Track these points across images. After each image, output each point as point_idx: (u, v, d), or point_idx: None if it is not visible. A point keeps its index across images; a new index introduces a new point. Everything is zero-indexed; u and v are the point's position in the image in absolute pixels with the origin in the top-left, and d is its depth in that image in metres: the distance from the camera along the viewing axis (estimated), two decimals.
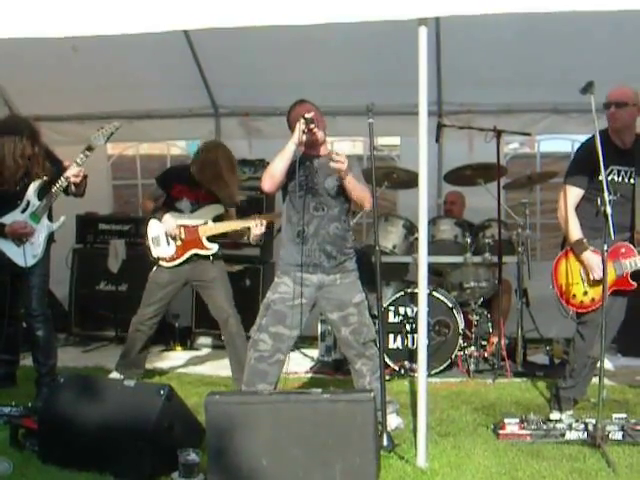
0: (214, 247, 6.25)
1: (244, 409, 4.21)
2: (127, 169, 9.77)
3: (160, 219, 6.25)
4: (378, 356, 4.99)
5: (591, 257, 5.23)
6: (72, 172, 5.58)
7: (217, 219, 6.28)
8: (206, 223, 6.24)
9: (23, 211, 5.68)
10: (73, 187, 5.68)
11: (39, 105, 8.44)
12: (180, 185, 6.29)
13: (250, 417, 4.17)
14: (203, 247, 6.23)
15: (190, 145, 10.36)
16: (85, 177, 5.72)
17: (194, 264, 6.29)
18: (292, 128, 4.97)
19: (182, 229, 6.21)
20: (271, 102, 8.02)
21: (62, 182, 5.60)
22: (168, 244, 6.26)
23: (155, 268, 6.34)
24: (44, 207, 5.69)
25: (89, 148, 5.66)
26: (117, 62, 7.49)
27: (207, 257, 6.27)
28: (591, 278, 5.25)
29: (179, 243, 6.22)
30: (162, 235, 6.27)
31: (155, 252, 6.30)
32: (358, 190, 4.94)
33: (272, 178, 4.91)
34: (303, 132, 4.78)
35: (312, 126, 4.78)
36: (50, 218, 5.83)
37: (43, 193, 5.69)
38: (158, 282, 6.30)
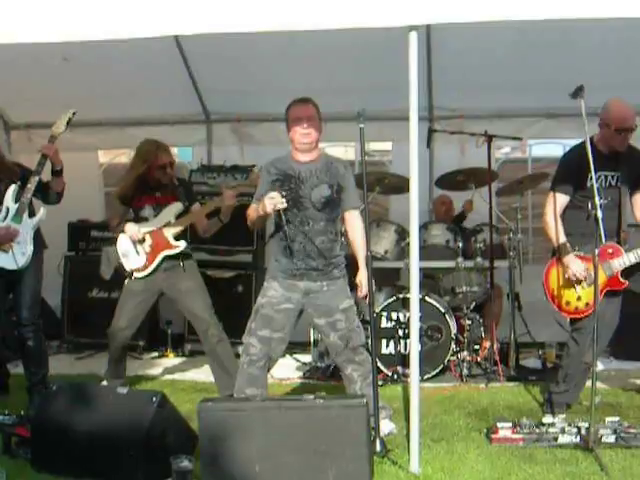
0: (181, 244, 6.17)
1: (237, 416, 4.22)
2: (119, 176, 9.71)
3: (123, 230, 6.19)
4: (369, 361, 5.01)
5: (573, 261, 5.28)
6: (45, 147, 5.71)
7: (179, 216, 6.21)
8: (169, 223, 6.19)
9: (3, 219, 5.68)
10: (53, 172, 5.75)
11: (31, 113, 8.48)
12: (139, 194, 6.23)
13: (243, 423, 4.18)
14: (171, 246, 6.15)
15: (182, 152, 10.36)
16: (64, 183, 5.84)
17: (168, 274, 6.18)
18: (288, 127, 5.05)
19: (148, 235, 6.14)
20: (262, 108, 8.04)
21: (34, 178, 5.65)
22: (138, 253, 6.18)
23: (128, 279, 6.25)
24: (22, 206, 5.69)
25: (52, 137, 5.77)
26: (108, 69, 7.49)
27: (179, 262, 6.17)
28: (565, 277, 5.28)
29: (148, 250, 6.15)
30: (130, 246, 6.19)
31: (128, 265, 6.20)
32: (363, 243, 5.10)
33: (252, 224, 5.19)
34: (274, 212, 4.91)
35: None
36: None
37: (19, 196, 5.72)
38: (131, 291, 6.21)
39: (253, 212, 5.07)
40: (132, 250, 6.19)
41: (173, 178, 6.29)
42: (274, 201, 4.80)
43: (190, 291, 6.20)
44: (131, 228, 6.14)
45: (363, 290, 5.05)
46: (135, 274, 6.19)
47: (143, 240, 6.13)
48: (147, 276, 6.18)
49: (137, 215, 6.26)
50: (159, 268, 6.17)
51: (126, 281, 6.27)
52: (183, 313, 6.36)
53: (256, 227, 5.24)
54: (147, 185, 6.20)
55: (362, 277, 5.06)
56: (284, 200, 4.83)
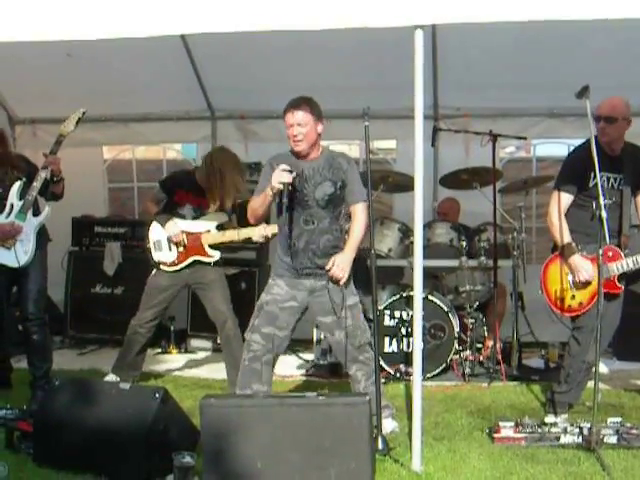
0: (216, 255, 6.25)
1: (239, 412, 4.22)
2: (123, 172, 9.77)
3: (163, 224, 6.23)
4: (373, 360, 4.99)
5: (578, 260, 5.28)
6: (49, 160, 5.63)
7: (220, 227, 6.28)
8: (209, 231, 6.25)
9: (7, 216, 5.66)
10: (50, 184, 5.71)
11: (36, 108, 8.50)
12: (183, 191, 6.28)
13: (245, 420, 4.17)
14: (205, 254, 6.23)
15: (186, 148, 10.37)
16: (62, 179, 5.77)
17: (194, 268, 6.28)
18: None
19: (184, 235, 6.20)
20: (267, 105, 8.03)
21: (41, 174, 5.62)
22: (170, 249, 6.25)
23: (154, 271, 6.32)
24: (27, 204, 5.67)
25: (61, 135, 5.72)
26: (114, 65, 7.49)
27: (208, 263, 6.28)
28: (576, 280, 5.29)
29: (181, 249, 6.22)
30: (164, 240, 6.25)
31: (156, 256, 6.29)
32: (361, 237, 5.02)
33: (255, 215, 5.10)
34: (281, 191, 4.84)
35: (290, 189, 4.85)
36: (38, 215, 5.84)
37: (24, 193, 5.70)
38: (158, 286, 6.29)
39: (256, 201, 5.01)
40: (165, 244, 6.26)
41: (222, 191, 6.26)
42: (281, 176, 4.77)
43: (214, 283, 6.30)
44: (173, 230, 6.19)
45: (332, 269, 4.93)
46: (162, 266, 6.27)
47: (181, 243, 6.19)
48: (174, 272, 6.25)
49: (174, 209, 6.30)
50: (187, 266, 6.26)
51: (152, 273, 6.34)
52: (204, 304, 6.38)
53: (259, 219, 5.17)
54: (197, 185, 6.24)
55: (338, 256, 4.97)
56: (293, 174, 4.82)
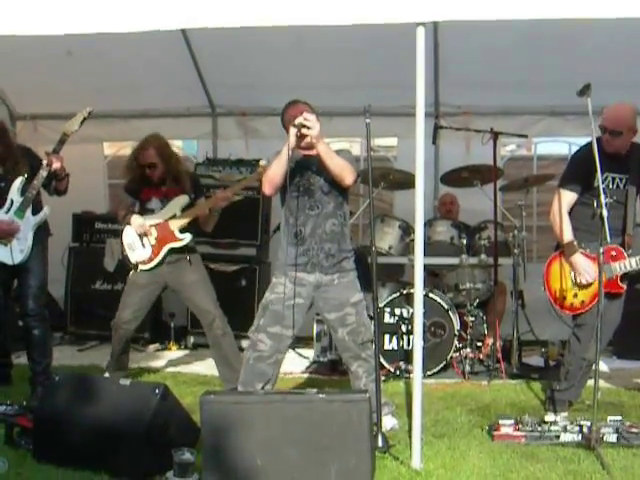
0: (187, 237, 6.18)
1: (239, 409, 4.21)
2: (124, 168, 9.74)
3: (129, 222, 6.20)
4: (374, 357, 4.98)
5: (580, 260, 5.29)
6: (51, 158, 5.59)
7: (185, 210, 6.23)
8: (175, 215, 6.21)
9: (7, 211, 5.65)
10: (54, 181, 5.71)
11: (37, 104, 8.50)
12: (146, 187, 6.25)
13: (245, 417, 4.17)
14: (176, 239, 6.16)
15: (187, 145, 10.35)
16: (67, 175, 5.75)
17: (173, 267, 6.21)
18: (286, 129, 4.96)
19: (153, 228, 6.16)
20: (268, 102, 8.03)
21: (42, 173, 5.58)
22: (143, 246, 6.19)
23: (133, 271, 6.27)
24: (27, 201, 5.65)
25: (64, 135, 5.68)
26: (115, 61, 7.50)
27: (184, 255, 6.19)
28: (577, 281, 5.30)
29: (153, 242, 6.16)
30: (136, 238, 6.20)
31: (133, 257, 6.23)
32: (335, 159, 4.86)
33: (272, 182, 4.97)
34: (296, 136, 4.78)
35: (304, 131, 4.76)
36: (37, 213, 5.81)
37: (25, 189, 5.67)
38: (136, 283, 6.22)
39: (273, 166, 4.93)
40: (138, 242, 6.19)
41: (172, 172, 6.25)
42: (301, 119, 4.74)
43: (195, 284, 6.21)
44: (137, 220, 6.14)
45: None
46: (140, 266, 6.20)
47: (149, 233, 6.14)
48: (152, 269, 6.19)
49: (143, 207, 6.27)
50: (164, 261, 6.17)
51: (130, 273, 6.27)
52: (188, 306, 6.34)
53: (277, 187, 5.07)
54: (152, 178, 6.22)
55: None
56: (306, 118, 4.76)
